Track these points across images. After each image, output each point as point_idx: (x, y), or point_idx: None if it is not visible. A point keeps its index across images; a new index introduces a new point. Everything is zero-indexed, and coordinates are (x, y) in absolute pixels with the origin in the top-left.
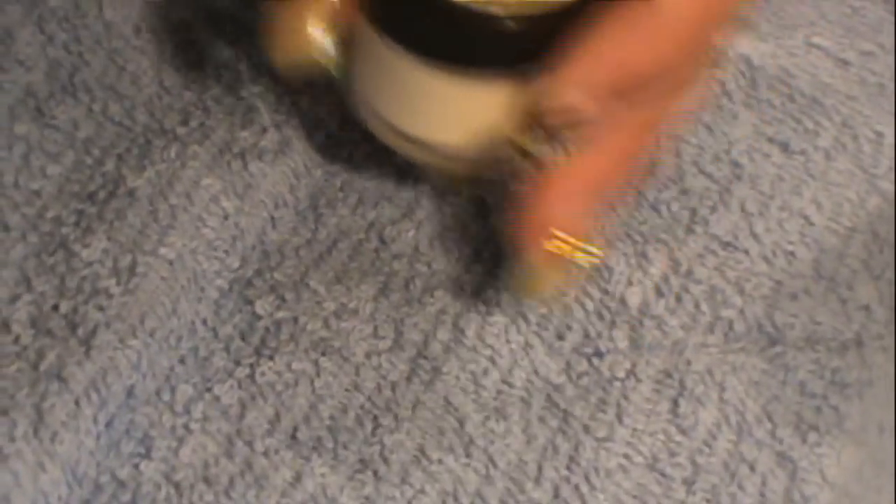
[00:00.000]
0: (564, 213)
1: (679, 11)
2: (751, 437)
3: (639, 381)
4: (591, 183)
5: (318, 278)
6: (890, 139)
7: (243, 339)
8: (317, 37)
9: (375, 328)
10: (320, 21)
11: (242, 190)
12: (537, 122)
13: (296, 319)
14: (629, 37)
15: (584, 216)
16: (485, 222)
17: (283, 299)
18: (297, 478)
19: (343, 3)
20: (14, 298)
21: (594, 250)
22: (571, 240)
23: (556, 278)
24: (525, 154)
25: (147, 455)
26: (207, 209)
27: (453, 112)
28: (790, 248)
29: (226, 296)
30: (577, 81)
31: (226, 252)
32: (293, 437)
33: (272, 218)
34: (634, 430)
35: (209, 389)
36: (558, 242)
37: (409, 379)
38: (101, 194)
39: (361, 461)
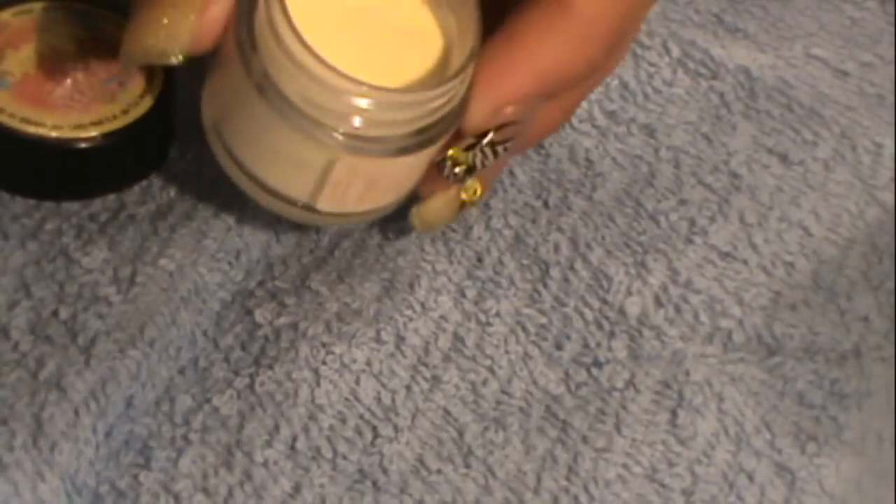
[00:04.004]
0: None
1: (595, 10)
2: (749, 447)
3: (638, 391)
4: (513, 153)
5: (321, 279)
6: (889, 150)
7: (243, 348)
8: (173, 35)
9: (378, 331)
10: (177, 25)
11: (243, 203)
12: (470, 142)
13: (296, 325)
14: (553, 44)
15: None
16: (487, 226)
17: (284, 304)
18: (297, 488)
19: (210, 23)
20: (13, 305)
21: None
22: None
23: (452, 213)
24: (462, 170)
25: (146, 465)
26: (207, 222)
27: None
28: (789, 258)
29: (228, 307)
30: (508, 96)
31: (229, 264)
32: (292, 447)
33: (276, 231)
34: (633, 440)
35: (208, 400)
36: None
37: (408, 388)
38: (103, 216)
39: (360, 471)
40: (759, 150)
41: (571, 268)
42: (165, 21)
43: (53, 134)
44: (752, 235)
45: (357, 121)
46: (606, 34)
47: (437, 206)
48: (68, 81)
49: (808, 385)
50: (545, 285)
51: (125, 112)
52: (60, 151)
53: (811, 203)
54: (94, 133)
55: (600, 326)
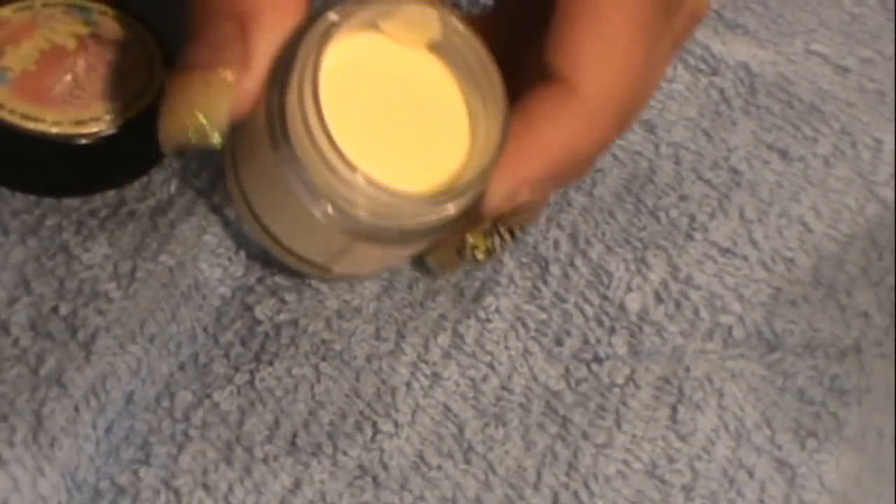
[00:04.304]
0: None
1: (603, 91)
2: (749, 443)
3: (638, 387)
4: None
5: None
6: (889, 146)
7: (243, 344)
8: (208, 123)
9: (378, 329)
10: (214, 106)
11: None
12: (486, 222)
13: (296, 322)
14: (563, 128)
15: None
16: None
17: (284, 301)
18: (297, 484)
19: (243, 97)
20: (13, 301)
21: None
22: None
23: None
24: (481, 253)
25: (146, 461)
26: (207, 218)
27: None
28: (789, 254)
29: (228, 303)
30: (523, 180)
31: (229, 260)
32: (292, 443)
33: None
34: (633, 436)
35: (209, 396)
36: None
37: (408, 384)
38: (103, 212)
39: (361, 467)
40: (759, 145)
41: (571, 264)
42: (202, 102)
43: (53, 130)
44: (752, 231)
45: (372, 212)
46: (615, 114)
47: (450, 251)
48: (68, 77)
49: (808, 381)
50: (545, 282)
51: (125, 108)
52: (60, 147)
53: (811, 199)
54: (93, 129)
55: (600, 322)
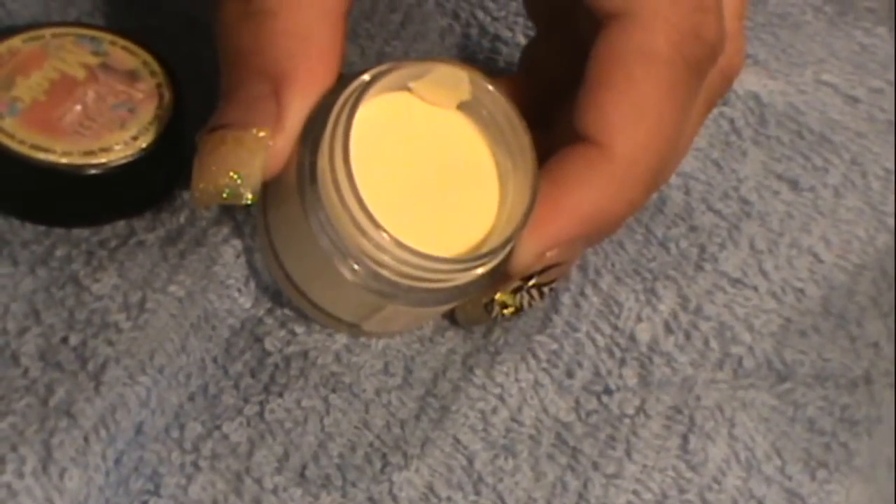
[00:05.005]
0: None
1: (634, 154)
2: (760, 473)
3: (648, 417)
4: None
5: None
6: None
7: (253, 375)
8: (241, 182)
9: (386, 364)
10: (247, 165)
11: (252, 229)
12: (517, 285)
13: (306, 354)
14: (594, 189)
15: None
16: None
17: (294, 333)
18: None
19: (275, 157)
20: (23, 331)
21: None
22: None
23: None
24: (510, 309)
25: (156, 492)
26: (217, 249)
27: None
28: (799, 285)
29: (237, 334)
30: (553, 240)
31: (238, 291)
32: (302, 474)
33: None
34: (644, 466)
35: (218, 427)
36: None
37: (418, 417)
38: (113, 242)
39: (370, 499)
40: (769, 176)
41: (582, 294)
42: (235, 162)
43: (63, 160)
44: (762, 262)
45: (400, 273)
46: (646, 176)
47: (481, 307)
48: (78, 108)
49: (818, 411)
50: (556, 311)
51: (135, 139)
52: (70, 178)
53: (821, 229)
54: (103, 160)
55: (611, 354)
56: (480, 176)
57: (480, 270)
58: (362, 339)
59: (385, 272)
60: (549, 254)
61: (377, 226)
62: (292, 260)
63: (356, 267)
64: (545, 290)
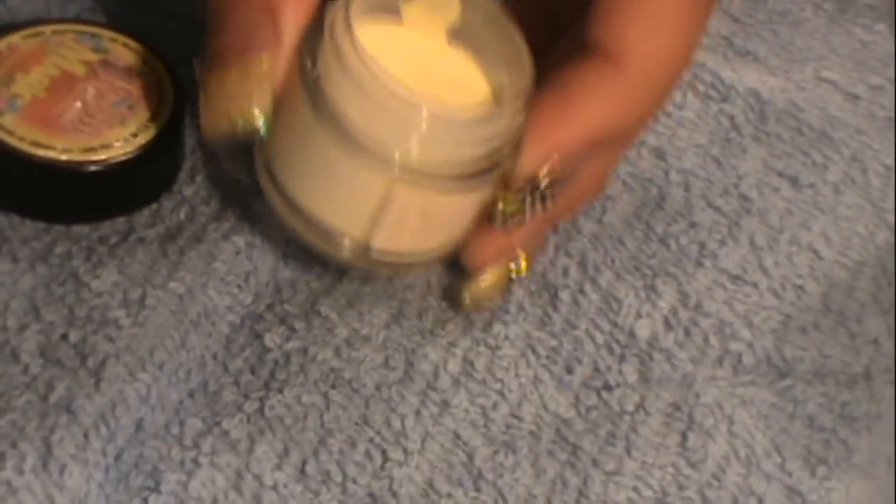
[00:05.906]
0: (528, 239)
1: (650, 68)
2: (760, 470)
3: (648, 414)
4: (555, 217)
5: (330, 304)
6: None
7: (252, 372)
8: (251, 110)
9: (387, 358)
10: (256, 94)
11: (252, 225)
12: (521, 186)
13: (305, 350)
14: (606, 100)
15: (540, 241)
16: None
17: (293, 329)
18: None
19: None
20: (23, 328)
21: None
22: (525, 259)
23: (501, 291)
24: (510, 214)
25: (156, 489)
26: (217, 245)
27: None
28: (799, 281)
29: (237, 330)
30: (560, 145)
31: (238, 287)
32: (302, 470)
33: (284, 254)
34: (643, 463)
35: (218, 423)
36: (516, 262)
37: (418, 412)
38: (113, 239)
39: (370, 495)
40: (770, 172)
41: (581, 291)
42: (243, 92)
43: (63, 157)
44: (762, 258)
45: (416, 148)
46: (658, 91)
47: (487, 284)
48: (78, 104)
49: (818, 408)
50: (555, 308)
51: (134, 135)
52: (70, 174)
53: (821, 226)
54: (103, 156)
55: (611, 350)
56: (476, 94)
57: (494, 130)
58: (363, 332)
59: (398, 149)
60: (554, 163)
61: (388, 77)
62: (293, 175)
63: (364, 149)
64: (547, 199)
